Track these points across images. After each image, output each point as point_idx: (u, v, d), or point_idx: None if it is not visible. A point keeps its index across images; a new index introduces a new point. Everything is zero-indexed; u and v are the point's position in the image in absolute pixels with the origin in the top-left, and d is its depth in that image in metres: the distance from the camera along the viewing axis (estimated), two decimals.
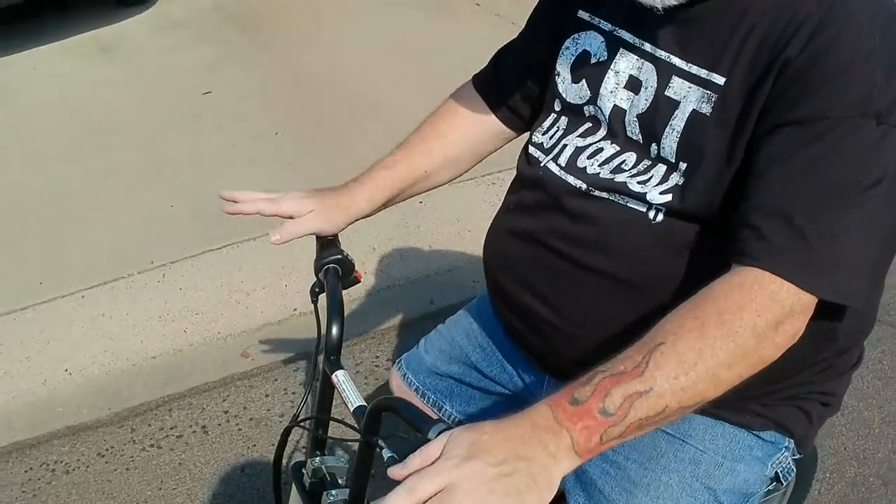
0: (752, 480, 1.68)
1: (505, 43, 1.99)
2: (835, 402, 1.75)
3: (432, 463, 1.10)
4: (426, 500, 1.06)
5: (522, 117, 1.92)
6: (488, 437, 1.12)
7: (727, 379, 1.22)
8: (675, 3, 1.39)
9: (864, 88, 1.27)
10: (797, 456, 1.76)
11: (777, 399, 1.64)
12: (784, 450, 1.71)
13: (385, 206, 1.95)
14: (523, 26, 1.91)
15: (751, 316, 1.22)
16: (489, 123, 1.96)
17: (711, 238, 1.41)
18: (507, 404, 1.94)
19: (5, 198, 4.86)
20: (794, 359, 1.42)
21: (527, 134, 1.83)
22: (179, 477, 3.22)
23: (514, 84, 1.90)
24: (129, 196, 4.75)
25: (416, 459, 1.12)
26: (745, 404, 1.63)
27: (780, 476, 1.72)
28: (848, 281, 1.27)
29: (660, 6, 1.40)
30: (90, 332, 3.85)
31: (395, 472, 1.12)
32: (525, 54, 1.88)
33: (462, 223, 4.15)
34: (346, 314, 3.56)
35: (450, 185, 2.09)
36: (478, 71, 2.02)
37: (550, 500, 1.10)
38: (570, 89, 1.66)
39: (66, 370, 3.71)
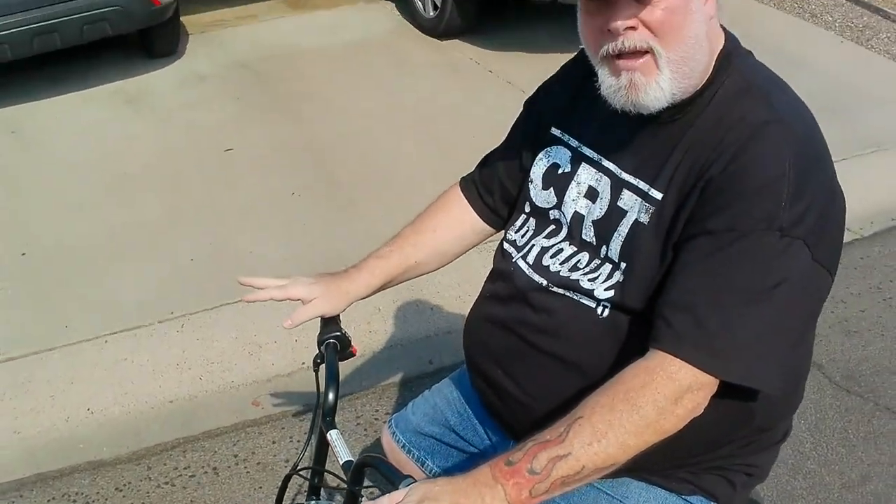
0: None
1: (495, 151, 2.33)
2: (759, 472, 2.07)
3: None
4: None
5: (501, 216, 2.26)
6: (439, 489, 1.51)
7: (634, 445, 1.56)
8: (665, 104, 1.72)
9: (771, 207, 1.60)
10: None
11: (703, 469, 1.96)
12: None
13: (380, 289, 2.30)
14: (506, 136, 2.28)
15: (652, 392, 1.57)
16: (472, 221, 2.31)
17: (645, 329, 1.73)
18: (479, 462, 2.32)
19: (35, 244, 5.22)
20: (715, 434, 1.81)
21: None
22: None
23: (495, 188, 2.25)
24: (151, 247, 5.11)
25: (383, 501, 1.51)
26: (674, 472, 1.96)
27: None
28: (749, 366, 1.60)
29: (654, 107, 1.72)
30: (112, 376, 4.21)
31: None
32: (505, 162, 2.23)
33: (462, 287, 4.47)
34: (351, 369, 3.95)
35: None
36: (465, 174, 2.37)
37: None
38: (540, 195, 2.03)
39: (88, 409, 4.06)
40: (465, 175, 2.38)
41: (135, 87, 7.27)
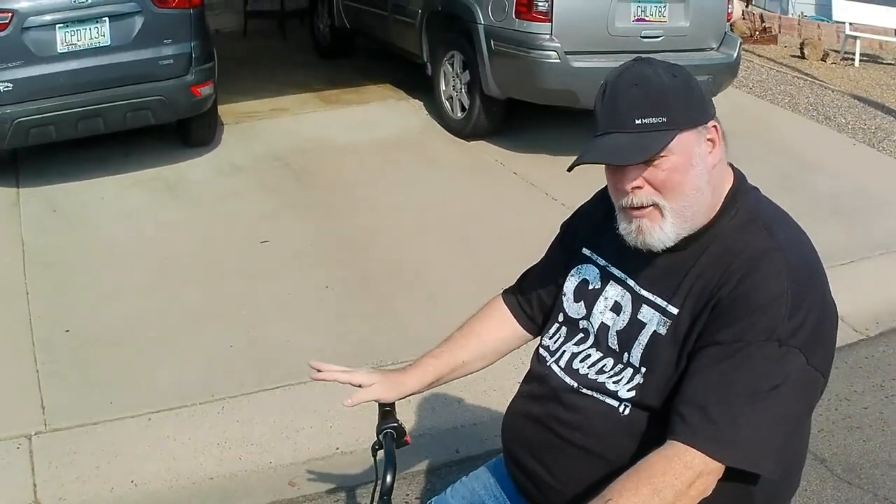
0: None
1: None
2: None
3: None
4: None
5: (537, 324, 2.66)
6: None
7: None
8: (671, 244, 2.13)
9: (771, 321, 1.98)
10: None
11: None
12: None
13: (431, 386, 2.69)
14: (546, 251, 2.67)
15: (670, 478, 1.93)
16: (513, 328, 2.71)
17: (661, 424, 2.09)
18: None
19: (78, 322, 5.61)
20: None
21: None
22: None
23: (533, 299, 2.65)
24: (192, 332, 5.50)
25: None
26: None
27: None
28: (751, 454, 1.96)
29: (661, 248, 2.13)
30: (155, 451, 4.56)
31: None
32: (542, 277, 2.63)
33: (489, 382, 4.77)
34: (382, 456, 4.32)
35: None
36: (507, 287, 2.77)
37: None
38: (572, 307, 2.43)
39: (132, 481, 4.41)
40: (506, 288, 2.79)
41: (173, 174, 7.75)
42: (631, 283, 2.27)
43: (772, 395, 1.96)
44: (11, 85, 6.92)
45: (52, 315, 5.68)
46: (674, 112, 2.03)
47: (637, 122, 2.03)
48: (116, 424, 4.73)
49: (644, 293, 2.23)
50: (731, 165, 2.26)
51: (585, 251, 2.44)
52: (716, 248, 2.13)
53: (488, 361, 2.77)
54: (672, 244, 2.13)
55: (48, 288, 6.00)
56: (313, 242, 6.57)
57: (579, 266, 2.44)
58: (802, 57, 13.30)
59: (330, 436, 4.65)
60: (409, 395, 2.66)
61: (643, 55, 2.22)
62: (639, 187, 2.08)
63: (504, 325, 2.72)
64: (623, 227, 2.17)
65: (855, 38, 13.53)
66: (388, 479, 2.34)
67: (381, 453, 2.45)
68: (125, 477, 4.44)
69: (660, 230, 2.10)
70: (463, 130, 8.38)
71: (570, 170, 2.17)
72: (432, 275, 5.99)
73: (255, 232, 6.70)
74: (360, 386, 2.58)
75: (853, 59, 13.41)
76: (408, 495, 4.31)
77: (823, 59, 13.28)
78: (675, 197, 2.07)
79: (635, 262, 2.24)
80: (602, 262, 2.37)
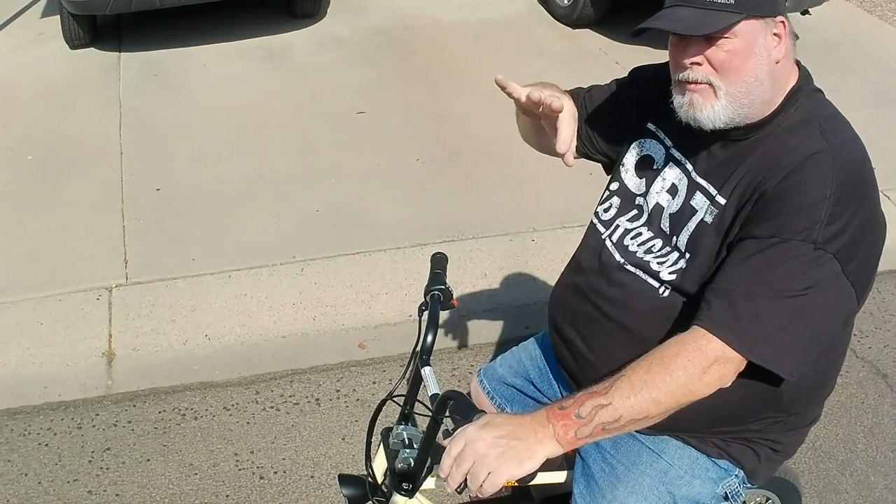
0: (704, 494, 2.45)
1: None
2: (784, 450, 2.49)
3: None
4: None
5: (580, 150, 2.58)
6: (500, 421, 1.96)
7: (665, 402, 1.98)
8: (721, 125, 2.14)
9: (808, 222, 2.00)
10: (748, 485, 2.51)
11: (732, 437, 2.41)
12: (734, 477, 2.47)
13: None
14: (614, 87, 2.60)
15: (683, 360, 1.99)
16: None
17: (694, 311, 2.14)
18: None
19: (169, 182, 5.85)
20: (744, 408, 2.31)
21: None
22: (290, 436, 4.11)
23: (591, 129, 2.60)
24: (279, 196, 5.69)
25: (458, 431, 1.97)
26: (708, 437, 2.42)
27: (730, 496, 2.48)
28: (769, 351, 2.01)
29: (710, 126, 2.15)
30: (232, 307, 4.78)
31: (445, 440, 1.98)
32: (607, 118, 2.57)
33: (565, 262, 4.88)
34: (453, 327, 4.43)
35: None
36: (577, 89, 2.66)
37: (530, 470, 1.91)
38: (631, 180, 2.47)
39: (206, 335, 4.64)
40: (574, 91, 2.64)
41: (277, 44, 7.90)
42: (689, 167, 2.31)
43: (799, 296, 2.00)
44: None
45: (143, 174, 5.94)
46: None
47: None
48: (196, 280, 4.96)
49: (699, 180, 2.27)
50: (799, 64, 2.26)
51: (650, 126, 2.46)
52: (769, 143, 2.16)
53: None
54: (722, 125, 2.15)
55: (142, 148, 6.25)
56: (408, 117, 6.66)
57: (643, 140, 2.47)
58: None
59: (403, 303, 4.79)
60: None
61: None
62: (697, 63, 2.11)
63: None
64: (676, 101, 2.20)
65: None
66: (429, 339, 2.43)
67: (425, 315, 2.52)
68: (199, 331, 4.68)
69: (710, 108, 2.13)
70: (569, 17, 8.32)
71: (634, 35, 2.21)
72: (521, 156, 5.92)
73: (353, 104, 6.82)
74: (558, 116, 2.36)
75: None
76: (472, 366, 4.46)
77: None
78: (732, 80, 2.09)
79: (695, 147, 2.28)
80: (668, 142, 2.40)
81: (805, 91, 2.21)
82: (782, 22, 2.11)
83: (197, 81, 7.26)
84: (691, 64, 2.11)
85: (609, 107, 2.62)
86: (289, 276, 4.97)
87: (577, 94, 2.65)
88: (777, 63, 2.12)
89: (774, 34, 2.10)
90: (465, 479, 1.92)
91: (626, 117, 2.53)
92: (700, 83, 2.11)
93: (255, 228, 5.38)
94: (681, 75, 2.15)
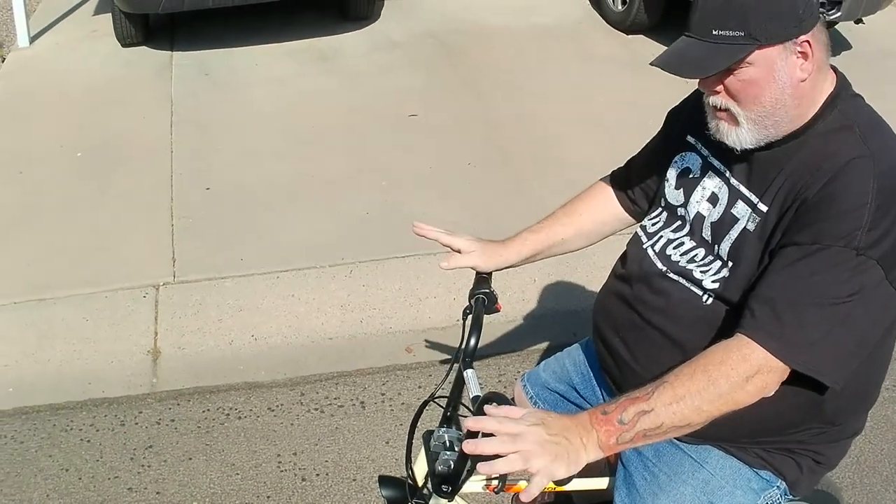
0: None
1: None
2: (826, 461, 2.49)
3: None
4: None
5: (640, 208, 2.74)
6: (551, 420, 1.98)
7: (708, 411, 2.00)
8: (750, 147, 2.19)
9: (850, 228, 2.00)
10: (790, 496, 2.49)
11: (775, 448, 2.41)
12: (775, 488, 2.46)
13: (528, 260, 2.80)
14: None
15: (727, 369, 2.00)
16: (614, 210, 2.81)
17: (737, 319, 2.15)
18: None
19: (219, 181, 5.93)
20: (787, 419, 2.31)
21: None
22: (334, 438, 4.15)
23: (636, 183, 2.74)
24: (330, 197, 5.74)
25: (504, 410, 1.99)
26: (750, 447, 2.42)
27: None
28: (812, 359, 2.01)
29: (738, 149, 2.21)
30: (279, 308, 4.83)
31: (491, 410, 1.98)
32: (648, 162, 2.70)
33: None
34: (500, 332, 4.45)
35: (610, 237, 2.90)
36: (615, 168, 2.85)
37: (573, 472, 1.93)
38: (672, 193, 2.50)
39: (252, 336, 4.70)
40: (614, 169, 2.87)
41: (329, 45, 7.99)
42: (728, 175, 2.33)
43: (843, 303, 2.00)
44: None
45: (193, 173, 6.02)
46: (753, 26, 2.04)
47: (714, 32, 2.08)
48: (244, 281, 5.02)
49: (740, 188, 2.29)
50: (835, 69, 2.26)
51: (690, 139, 2.49)
52: (809, 149, 2.16)
53: (587, 241, 2.89)
54: (752, 146, 2.19)
55: (193, 147, 6.34)
56: (460, 120, 6.69)
57: (683, 153, 2.51)
58: None
59: (451, 307, 4.82)
60: (506, 268, 2.77)
61: None
62: (716, 91, 2.15)
63: (606, 206, 2.83)
64: (709, 123, 2.24)
65: None
66: (472, 342, 2.45)
67: (470, 318, 2.55)
68: (246, 331, 4.73)
69: (735, 134, 2.17)
70: (623, 23, 8.32)
71: (653, 64, 2.24)
72: (573, 161, 6.04)
73: (404, 106, 6.87)
74: (459, 251, 2.72)
75: None
76: (518, 372, 4.47)
77: None
78: (750, 107, 2.12)
79: (734, 156, 2.29)
80: (705, 151, 2.42)
81: (843, 96, 2.22)
82: (807, 41, 2.09)
83: (248, 81, 7.36)
84: (711, 91, 2.16)
85: (654, 150, 2.70)
86: (337, 278, 5.01)
87: (615, 175, 2.84)
88: (803, 82, 2.12)
89: (799, 53, 2.09)
90: (503, 476, 1.93)
91: (667, 148, 2.58)
92: (722, 110, 2.16)
93: (304, 230, 5.43)
94: (706, 98, 2.21)
